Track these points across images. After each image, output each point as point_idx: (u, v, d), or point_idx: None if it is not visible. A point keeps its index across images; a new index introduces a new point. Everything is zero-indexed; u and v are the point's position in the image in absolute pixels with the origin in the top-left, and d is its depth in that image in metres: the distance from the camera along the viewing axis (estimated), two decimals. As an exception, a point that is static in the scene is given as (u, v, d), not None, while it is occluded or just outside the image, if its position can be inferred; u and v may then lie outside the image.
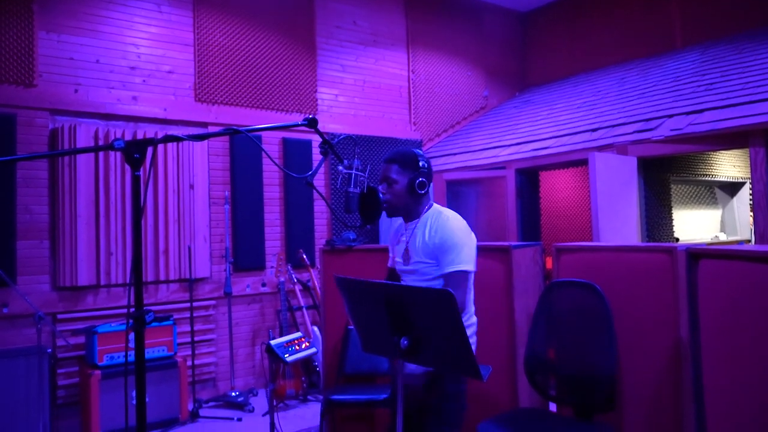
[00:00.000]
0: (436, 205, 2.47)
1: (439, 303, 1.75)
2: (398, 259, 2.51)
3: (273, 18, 5.94)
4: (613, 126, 5.40)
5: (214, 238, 5.45)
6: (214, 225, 5.46)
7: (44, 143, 4.70)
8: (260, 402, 5.15)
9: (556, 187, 7.35)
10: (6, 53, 4.59)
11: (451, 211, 2.43)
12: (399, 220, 2.56)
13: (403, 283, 2.47)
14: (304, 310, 5.55)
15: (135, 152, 1.76)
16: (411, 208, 2.43)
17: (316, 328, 5.38)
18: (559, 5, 7.99)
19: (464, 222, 2.38)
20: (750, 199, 7.44)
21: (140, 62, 5.22)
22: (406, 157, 2.42)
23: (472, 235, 2.39)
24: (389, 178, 2.41)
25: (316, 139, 5.90)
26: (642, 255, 2.71)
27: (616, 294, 2.67)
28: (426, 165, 2.43)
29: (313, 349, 3.50)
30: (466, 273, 2.29)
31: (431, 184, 2.49)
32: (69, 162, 4.71)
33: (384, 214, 2.44)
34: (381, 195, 2.41)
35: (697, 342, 2.23)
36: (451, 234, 2.29)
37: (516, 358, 3.09)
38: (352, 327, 3.82)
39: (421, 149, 6.90)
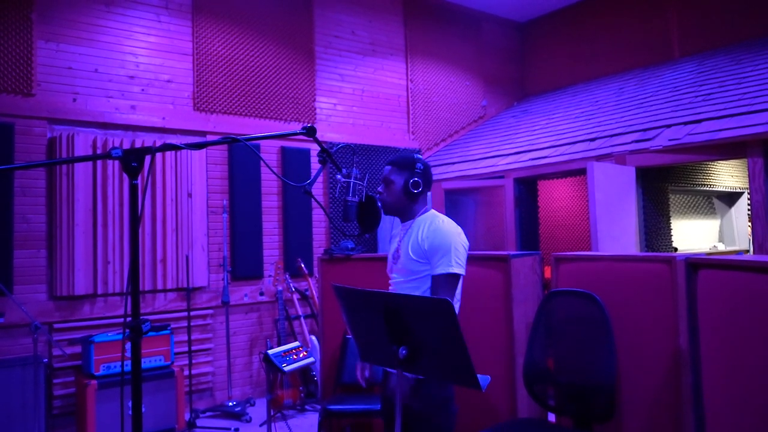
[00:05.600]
0: (433, 210, 2.51)
1: (438, 312, 1.74)
2: (389, 258, 2.53)
3: (272, 28, 5.96)
4: (612, 136, 5.41)
5: (212, 247, 5.43)
6: (212, 234, 5.44)
7: (42, 152, 4.70)
8: (258, 412, 5.12)
9: (555, 196, 7.35)
10: (4, 62, 4.60)
11: (447, 217, 2.47)
12: (398, 228, 2.57)
13: (391, 281, 2.49)
14: (302, 319, 5.53)
15: (133, 161, 1.76)
16: (406, 207, 2.47)
17: (314, 338, 5.36)
18: (557, 16, 8.03)
19: (459, 228, 2.41)
20: (748, 209, 7.45)
21: (139, 71, 5.22)
22: (403, 160, 2.49)
23: (465, 240, 2.41)
24: (387, 179, 2.47)
25: (314, 148, 5.90)
26: (641, 265, 2.70)
27: (615, 303, 2.66)
28: (422, 167, 2.47)
29: (311, 359, 3.48)
30: (456, 276, 2.31)
31: (429, 189, 2.53)
32: (67, 171, 4.70)
33: (382, 222, 2.46)
34: (379, 195, 2.48)
35: (696, 351, 2.23)
36: (444, 236, 2.32)
37: (515, 367, 3.07)
38: (350, 336, 3.80)
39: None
